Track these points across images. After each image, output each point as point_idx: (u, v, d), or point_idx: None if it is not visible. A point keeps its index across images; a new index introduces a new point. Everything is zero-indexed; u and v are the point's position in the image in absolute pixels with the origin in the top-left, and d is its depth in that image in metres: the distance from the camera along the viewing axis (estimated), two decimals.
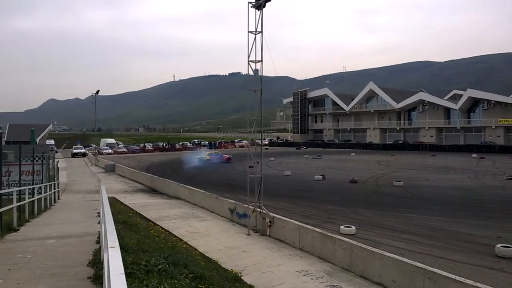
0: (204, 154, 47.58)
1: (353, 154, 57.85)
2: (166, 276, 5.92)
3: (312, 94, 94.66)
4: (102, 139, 79.55)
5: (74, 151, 63.96)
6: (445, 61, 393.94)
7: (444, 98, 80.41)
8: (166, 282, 5.50)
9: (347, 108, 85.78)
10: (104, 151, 63.96)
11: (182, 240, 12.70)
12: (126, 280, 2.56)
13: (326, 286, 8.95)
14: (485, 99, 68.10)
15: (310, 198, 21.25)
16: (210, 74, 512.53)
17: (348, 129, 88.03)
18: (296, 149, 74.99)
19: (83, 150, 65.06)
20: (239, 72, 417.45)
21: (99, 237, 8.80)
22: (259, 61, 14.23)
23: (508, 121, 65.06)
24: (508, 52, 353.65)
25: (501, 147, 59.79)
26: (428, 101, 74.99)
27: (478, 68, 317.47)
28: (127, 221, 12.07)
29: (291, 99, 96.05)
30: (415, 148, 67.12)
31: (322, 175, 29.22)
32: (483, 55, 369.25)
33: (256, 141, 17.07)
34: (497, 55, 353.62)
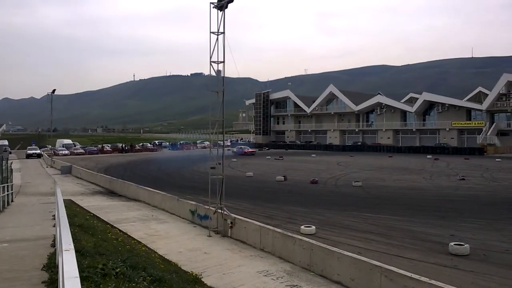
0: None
1: (313, 155, 58.63)
2: (124, 279, 5.80)
3: (274, 95, 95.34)
4: (58, 140, 77.11)
5: (29, 152, 61.75)
6: (402, 65, 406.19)
7: (401, 101, 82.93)
8: (123, 285, 5.39)
9: (308, 110, 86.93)
10: (60, 152, 62.05)
11: (141, 243, 12.48)
12: (82, 284, 2.50)
13: (286, 286, 9.02)
14: (440, 102, 70.68)
15: (272, 199, 21.38)
16: (171, 74, 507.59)
17: (309, 130, 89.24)
18: (258, 150, 75.31)
19: (38, 151, 62.92)
20: (201, 73, 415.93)
21: (54, 240, 8.55)
22: (221, 62, 14.20)
23: (461, 123, 67.81)
24: (462, 57, 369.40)
25: (454, 148, 62.22)
26: (385, 104, 77.13)
27: (433, 72, 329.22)
28: (84, 224, 11.74)
29: (253, 100, 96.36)
30: (373, 149, 68.83)
31: (283, 176, 29.47)
32: (438, 60, 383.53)
33: (218, 142, 17.01)
34: (451, 60, 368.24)
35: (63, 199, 10.34)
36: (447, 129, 68.67)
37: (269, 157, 53.46)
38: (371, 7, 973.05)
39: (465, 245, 11.13)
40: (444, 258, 10.80)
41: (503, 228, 14.25)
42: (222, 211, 13.99)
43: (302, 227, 13.50)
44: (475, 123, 66.43)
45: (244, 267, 10.41)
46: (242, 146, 65.61)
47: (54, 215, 11.77)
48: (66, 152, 62.73)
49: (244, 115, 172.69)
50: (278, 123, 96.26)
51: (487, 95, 69.31)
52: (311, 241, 10.42)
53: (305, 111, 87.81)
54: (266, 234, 11.90)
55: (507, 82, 62.52)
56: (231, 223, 13.50)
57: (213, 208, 14.35)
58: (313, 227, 13.49)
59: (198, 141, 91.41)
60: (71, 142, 75.47)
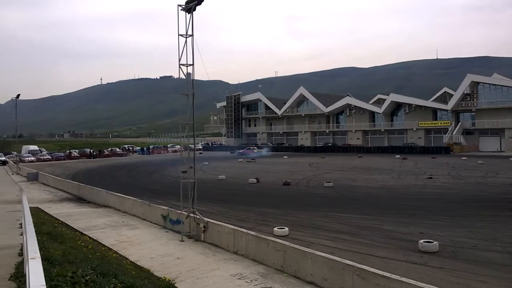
0: (257, 149, 69.89)
1: (285, 157, 58.94)
2: (94, 287, 5.66)
3: (246, 98, 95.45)
4: (23, 146, 75.02)
5: None
6: (370, 67, 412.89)
7: (369, 102, 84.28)
8: None
9: (279, 112, 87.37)
10: (26, 158, 60.46)
11: (112, 249, 12.24)
12: None
13: None
14: (407, 103, 72.28)
15: (245, 201, 21.37)
16: (140, 77, 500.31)
17: (281, 132, 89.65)
18: (231, 153, 75.15)
19: (3, 158, 61.18)
20: (170, 76, 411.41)
21: (21, 249, 8.30)
22: (190, 65, 14.09)
23: (427, 123, 69.52)
24: (427, 58, 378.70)
25: (422, 148, 63.67)
26: (354, 105, 78.31)
27: (400, 73, 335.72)
28: (52, 232, 11.43)
29: (224, 103, 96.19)
30: (343, 150, 69.70)
31: (256, 178, 29.48)
32: (404, 62, 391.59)
33: (189, 145, 16.88)
34: (417, 62, 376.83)
35: (30, 207, 10.06)
36: (414, 129, 70.29)
37: (241, 159, 53.44)
38: (335, 11, 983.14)
39: (434, 242, 11.39)
40: (414, 255, 11.01)
41: (471, 224, 14.65)
42: (195, 215, 13.88)
43: (275, 229, 13.53)
44: (441, 123, 68.20)
45: (217, 271, 10.35)
46: (263, 148, 70.92)
47: (21, 224, 11.43)
48: (32, 158, 61.23)
49: (215, 118, 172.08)
50: (249, 126, 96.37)
51: (452, 95, 71.24)
52: (284, 242, 10.44)
53: (276, 113, 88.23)
54: (239, 237, 11.86)
55: (471, 82, 64.51)
56: (204, 227, 13.40)
57: (185, 213, 14.21)
58: (286, 228, 13.54)
59: (169, 145, 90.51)
60: (37, 148, 73.61)
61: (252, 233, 11.68)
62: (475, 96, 65.06)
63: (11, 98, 54.78)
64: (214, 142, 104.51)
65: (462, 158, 47.43)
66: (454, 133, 63.88)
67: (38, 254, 3.25)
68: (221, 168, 41.38)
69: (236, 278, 9.70)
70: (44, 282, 2.52)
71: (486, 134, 64.46)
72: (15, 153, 65.41)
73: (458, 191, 23.44)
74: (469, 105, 65.19)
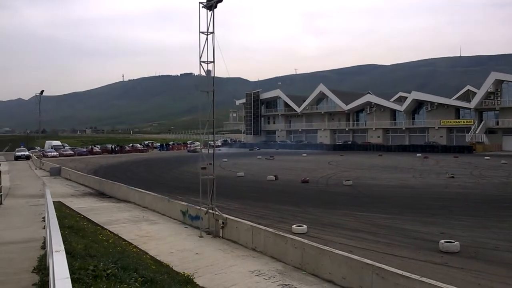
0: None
1: (304, 154, 58.74)
2: (115, 280, 5.76)
3: (265, 95, 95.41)
4: (47, 141, 76.49)
5: (17, 153, 61.17)
6: (391, 65, 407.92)
7: (390, 100, 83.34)
8: (115, 286, 5.36)
9: (298, 110, 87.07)
10: (49, 153, 61.66)
11: (132, 244, 12.41)
12: (73, 285, 2.48)
13: (279, 285, 9.03)
14: (429, 101, 71.23)
15: (263, 198, 21.38)
16: (161, 74, 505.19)
17: (300, 130, 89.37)
18: (249, 150, 75.31)
19: (26, 153, 62.43)
20: (191, 73, 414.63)
21: (44, 242, 8.49)
22: (211, 62, 14.16)
23: (450, 122, 68.38)
24: (450, 56, 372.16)
25: (443, 147, 62.71)
26: (375, 103, 77.51)
27: (422, 71, 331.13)
28: (74, 226, 11.65)
29: (244, 100, 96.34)
30: (363, 148, 69.12)
31: (274, 176, 29.46)
32: (427, 59, 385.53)
33: (209, 142, 16.96)
34: (440, 59, 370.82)
35: (53, 201, 10.25)
36: (436, 128, 69.22)
37: (260, 157, 53.44)
38: (354, 8, 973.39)
39: (455, 243, 11.22)
40: (434, 255, 10.87)
41: (493, 225, 14.39)
42: (214, 211, 13.96)
43: (294, 226, 13.51)
44: (463, 122, 67.04)
45: (236, 267, 10.40)
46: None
47: (44, 217, 11.68)
48: (55, 153, 62.40)
49: (234, 115, 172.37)
50: (268, 123, 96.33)
51: (475, 93, 69.96)
52: (302, 240, 10.43)
53: (295, 110, 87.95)
54: (257, 234, 11.89)
55: (495, 80, 63.22)
56: (223, 223, 13.48)
57: (204, 209, 14.31)
58: (305, 226, 13.51)
59: (188, 142, 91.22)
60: (60, 144, 74.98)
61: (271, 230, 11.69)
62: (499, 94, 63.78)
63: (35, 94, 56.03)
64: (236, 139, 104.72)
65: (485, 157, 46.53)
66: (477, 132, 62.70)
67: (62, 247, 3.32)
68: (240, 165, 41.46)
69: (254, 274, 9.74)
70: (68, 275, 2.59)
71: (510, 133, 63.10)
72: (39, 148, 66.85)
73: (480, 191, 23.03)
74: (493, 103, 63.94)
